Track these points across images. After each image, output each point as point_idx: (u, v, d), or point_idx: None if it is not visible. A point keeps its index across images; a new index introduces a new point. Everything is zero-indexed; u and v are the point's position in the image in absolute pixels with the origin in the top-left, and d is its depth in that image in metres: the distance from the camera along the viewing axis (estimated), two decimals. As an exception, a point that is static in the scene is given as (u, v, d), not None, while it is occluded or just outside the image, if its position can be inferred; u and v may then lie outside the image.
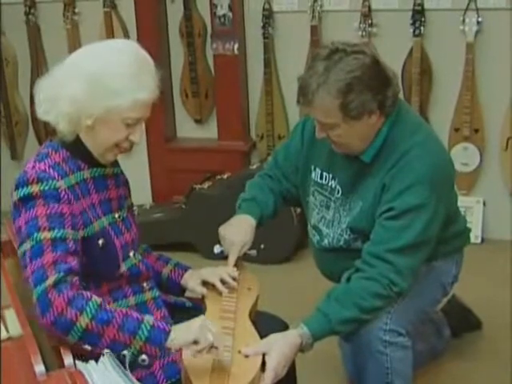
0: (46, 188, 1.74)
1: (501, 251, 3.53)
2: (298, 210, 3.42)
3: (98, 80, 1.74)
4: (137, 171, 3.71)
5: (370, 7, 3.57)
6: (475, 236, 3.62)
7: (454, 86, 3.58)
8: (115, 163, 1.97)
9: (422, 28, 3.51)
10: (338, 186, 2.20)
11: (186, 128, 4.16)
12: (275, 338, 1.89)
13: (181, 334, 1.71)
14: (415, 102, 3.59)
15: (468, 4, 3.45)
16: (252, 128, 4.04)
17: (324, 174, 2.24)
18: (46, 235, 1.71)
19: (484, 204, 3.72)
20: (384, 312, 2.09)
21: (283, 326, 2.07)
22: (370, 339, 2.08)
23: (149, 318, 1.74)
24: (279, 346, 1.87)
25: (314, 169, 2.27)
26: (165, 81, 3.44)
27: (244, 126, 4.00)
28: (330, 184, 2.23)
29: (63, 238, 1.73)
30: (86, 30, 4.07)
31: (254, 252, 3.45)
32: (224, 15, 3.77)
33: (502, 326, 2.91)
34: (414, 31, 3.52)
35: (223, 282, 2.08)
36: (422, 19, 3.49)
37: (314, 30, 3.66)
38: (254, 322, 1.95)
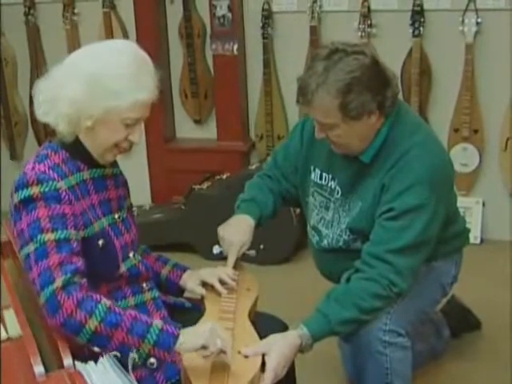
0: (47, 189, 1.74)
1: (500, 252, 3.54)
2: (298, 210, 3.42)
3: (97, 80, 1.74)
4: (136, 172, 3.71)
5: (369, 8, 3.57)
6: (474, 236, 3.62)
7: (454, 86, 3.58)
8: (114, 163, 1.97)
9: (421, 28, 3.51)
10: (337, 187, 2.20)
11: (186, 128, 4.16)
12: (275, 339, 1.89)
13: (190, 338, 1.71)
14: (415, 103, 3.59)
15: (467, 4, 3.45)
16: (251, 128, 4.04)
17: (324, 174, 2.24)
18: (49, 237, 1.71)
19: (483, 204, 3.72)
20: (384, 312, 2.09)
21: (283, 327, 2.07)
22: (370, 340, 2.08)
23: (158, 322, 1.73)
24: (279, 347, 1.87)
25: (314, 169, 2.27)
26: (164, 81, 3.44)
27: (243, 127, 4.00)
28: (329, 185, 2.23)
29: (67, 238, 1.73)
30: (86, 31, 4.07)
31: (253, 252, 3.45)
32: (223, 16, 3.77)
33: (501, 326, 2.91)
34: (413, 32, 3.52)
35: (222, 282, 2.08)
36: (422, 20, 3.49)
37: (314, 31, 3.66)
38: (253, 323, 1.95)
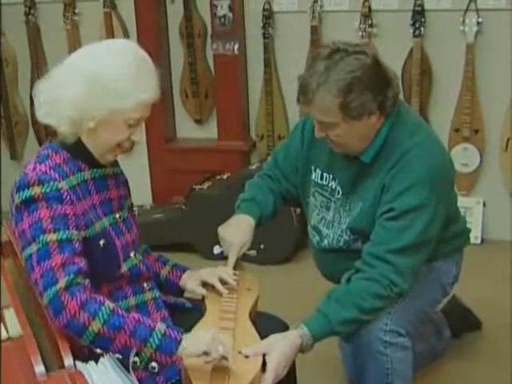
0: (48, 190, 1.74)
1: (501, 252, 3.54)
2: (298, 210, 3.42)
3: (97, 80, 1.74)
4: (137, 172, 3.71)
5: (370, 7, 3.57)
6: (475, 236, 3.62)
7: (454, 86, 3.58)
8: (115, 163, 1.97)
9: (422, 28, 3.50)
10: (338, 187, 2.20)
11: (186, 128, 4.16)
12: (275, 339, 1.89)
13: (192, 343, 1.71)
14: (415, 103, 3.59)
15: (468, 4, 3.45)
16: (252, 128, 4.04)
17: (324, 174, 2.24)
18: (51, 237, 1.71)
19: (484, 205, 3.72)
20: (384, 312, 2.08)
21: (283, 327, 2.07)
22: (371, 340, 2.08)
23: (160, 326, 1.73)
24: (280, 347, 1.87)
25: (315, 169, 2.27)
26: (165, 81, 3.44)
27: (244, 126, 4.00)
28: (330, 185, 2.22)
29: (69, 239, 1.73)
30: (86, 31, 4.07)
31: (253, 252, 3.45)
32: (224, 15, 3.77)
33: (501, 327, 2.91)
34: (414, 32, 3.52)
35: (223, 282, 2.08)
36: (422, 20, 3.49)
37: (314, 31, 3.66)
38: (254, 323, 1.95)
